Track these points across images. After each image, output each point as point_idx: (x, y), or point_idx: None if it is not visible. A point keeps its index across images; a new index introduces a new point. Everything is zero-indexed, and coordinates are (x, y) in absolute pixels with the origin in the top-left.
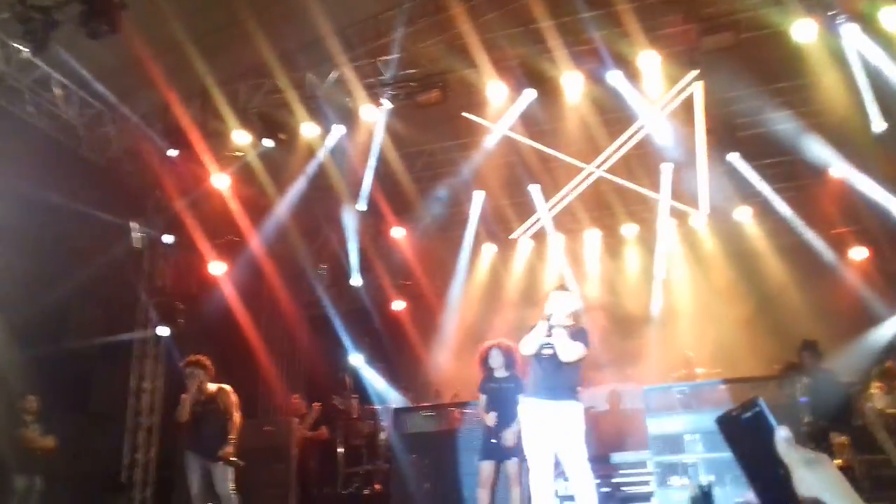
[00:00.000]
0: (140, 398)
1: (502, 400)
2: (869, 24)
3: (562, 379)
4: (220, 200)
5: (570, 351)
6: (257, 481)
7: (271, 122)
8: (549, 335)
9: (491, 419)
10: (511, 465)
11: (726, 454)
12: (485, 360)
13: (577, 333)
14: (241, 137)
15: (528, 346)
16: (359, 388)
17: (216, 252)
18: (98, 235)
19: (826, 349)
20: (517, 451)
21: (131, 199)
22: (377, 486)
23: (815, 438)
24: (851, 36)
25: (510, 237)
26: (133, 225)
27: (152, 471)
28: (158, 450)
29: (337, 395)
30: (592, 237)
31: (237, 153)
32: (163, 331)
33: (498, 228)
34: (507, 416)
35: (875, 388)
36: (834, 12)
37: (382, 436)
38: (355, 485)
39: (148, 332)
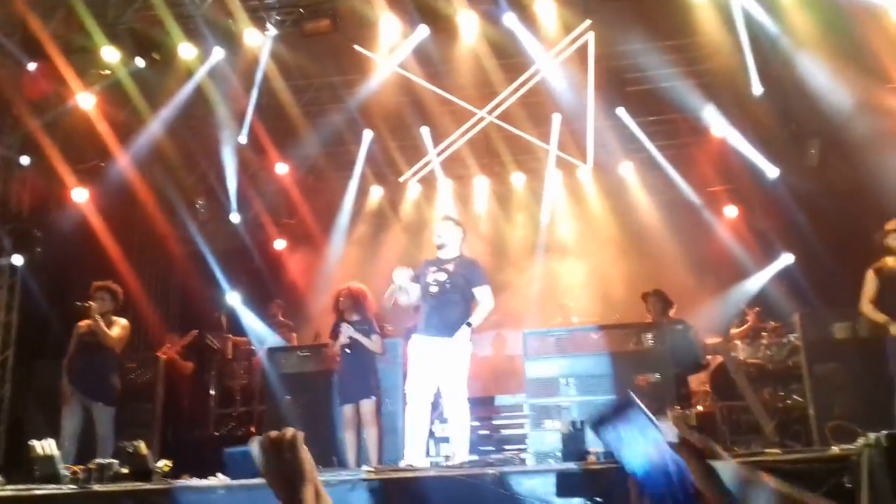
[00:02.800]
0: None
1: (353, 344)
2: None
3: (449, 315)
4: (85, 122)
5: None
6: (121, 420)
7: (144, 40)
8: (436, 271)
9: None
10: (366, 404)
11: (598, 398)
12: (336, 305)
13: (473, 266)
14: (110, 55)
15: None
16: (235, 327)
17: (79, 177)
18: None
19: (700, 301)
20: (372, 391)
21: None
22: (251, 429)
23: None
24: None
25: (399, 180)
26: None
27: (5, 409)
28: (12, 387)
29: (211, 334)
30: (481, 184)
31: (105, 71)
32: (17, 260)
33: (387, 171)
34: (359, 360)
35: (737, 340)
36: None
37: (258, 377)
38: (228, 426)
39: (1, 260)
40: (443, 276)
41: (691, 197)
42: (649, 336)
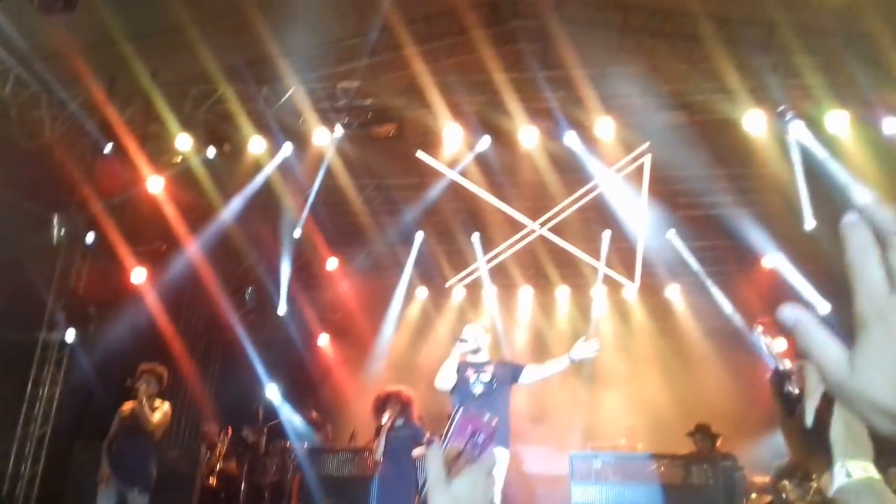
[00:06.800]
0: (34, 405)
1: (398, 449)
2: (814, 125)
3: (499, 419)
4: (150, 205)
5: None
6: None
7: (217, 132)
8: (477, 372)
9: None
10: None
11: None
12: (380, 406)
13: (507, 362)
14: (183, 143)
15: (444, 378)
16: (272, 421)
17: (139, 259)
18: (13, 224)
19: (745, 432)
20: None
21: (56, 191)
22: None
23: None
24: (797, 133)
25: (446, 285)
26: (55, 219)
27: (37, 485)
28: (45, 463)
29: (248, 426)
30: (526, 294)
31: (176, 158)
32: (70, 335)
33: (434, 273)
34: (402, 468)
35: (785, 482)
36: (783, 108)
37: (290, 475)
38: None
39: (53, 334)
40: (487, 377)
41: (738, 325)
42: (699, 470)
